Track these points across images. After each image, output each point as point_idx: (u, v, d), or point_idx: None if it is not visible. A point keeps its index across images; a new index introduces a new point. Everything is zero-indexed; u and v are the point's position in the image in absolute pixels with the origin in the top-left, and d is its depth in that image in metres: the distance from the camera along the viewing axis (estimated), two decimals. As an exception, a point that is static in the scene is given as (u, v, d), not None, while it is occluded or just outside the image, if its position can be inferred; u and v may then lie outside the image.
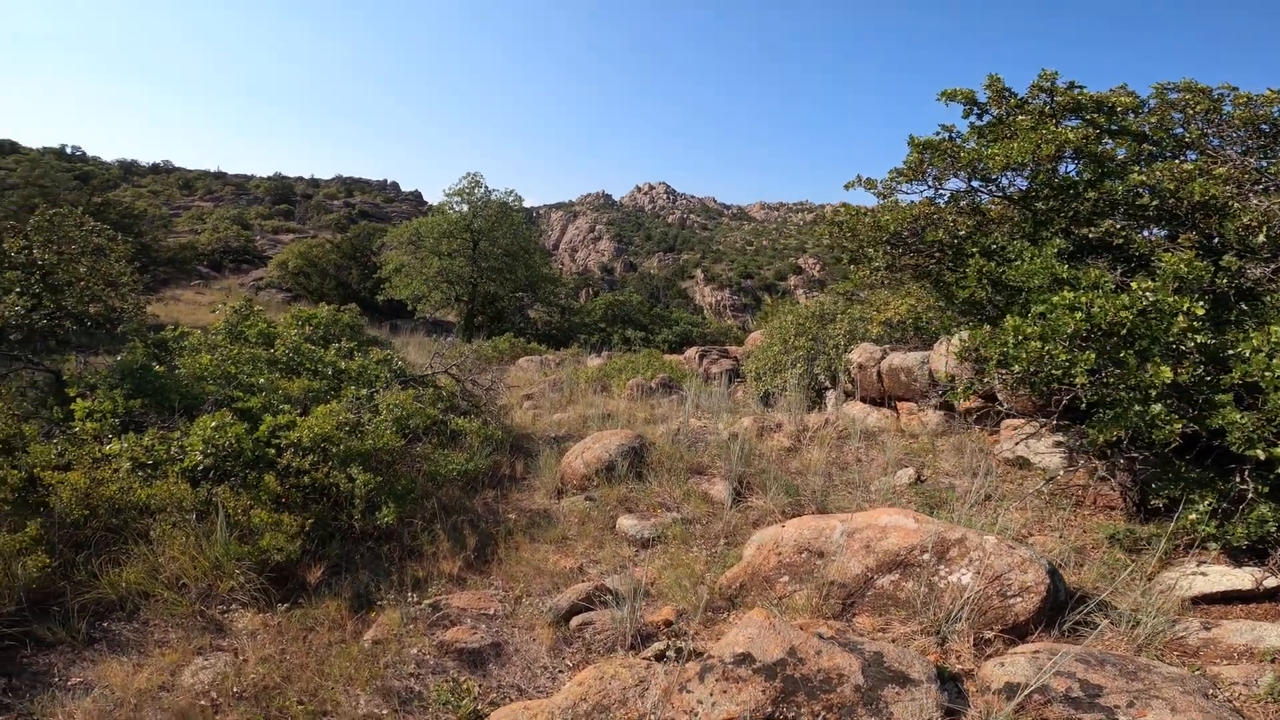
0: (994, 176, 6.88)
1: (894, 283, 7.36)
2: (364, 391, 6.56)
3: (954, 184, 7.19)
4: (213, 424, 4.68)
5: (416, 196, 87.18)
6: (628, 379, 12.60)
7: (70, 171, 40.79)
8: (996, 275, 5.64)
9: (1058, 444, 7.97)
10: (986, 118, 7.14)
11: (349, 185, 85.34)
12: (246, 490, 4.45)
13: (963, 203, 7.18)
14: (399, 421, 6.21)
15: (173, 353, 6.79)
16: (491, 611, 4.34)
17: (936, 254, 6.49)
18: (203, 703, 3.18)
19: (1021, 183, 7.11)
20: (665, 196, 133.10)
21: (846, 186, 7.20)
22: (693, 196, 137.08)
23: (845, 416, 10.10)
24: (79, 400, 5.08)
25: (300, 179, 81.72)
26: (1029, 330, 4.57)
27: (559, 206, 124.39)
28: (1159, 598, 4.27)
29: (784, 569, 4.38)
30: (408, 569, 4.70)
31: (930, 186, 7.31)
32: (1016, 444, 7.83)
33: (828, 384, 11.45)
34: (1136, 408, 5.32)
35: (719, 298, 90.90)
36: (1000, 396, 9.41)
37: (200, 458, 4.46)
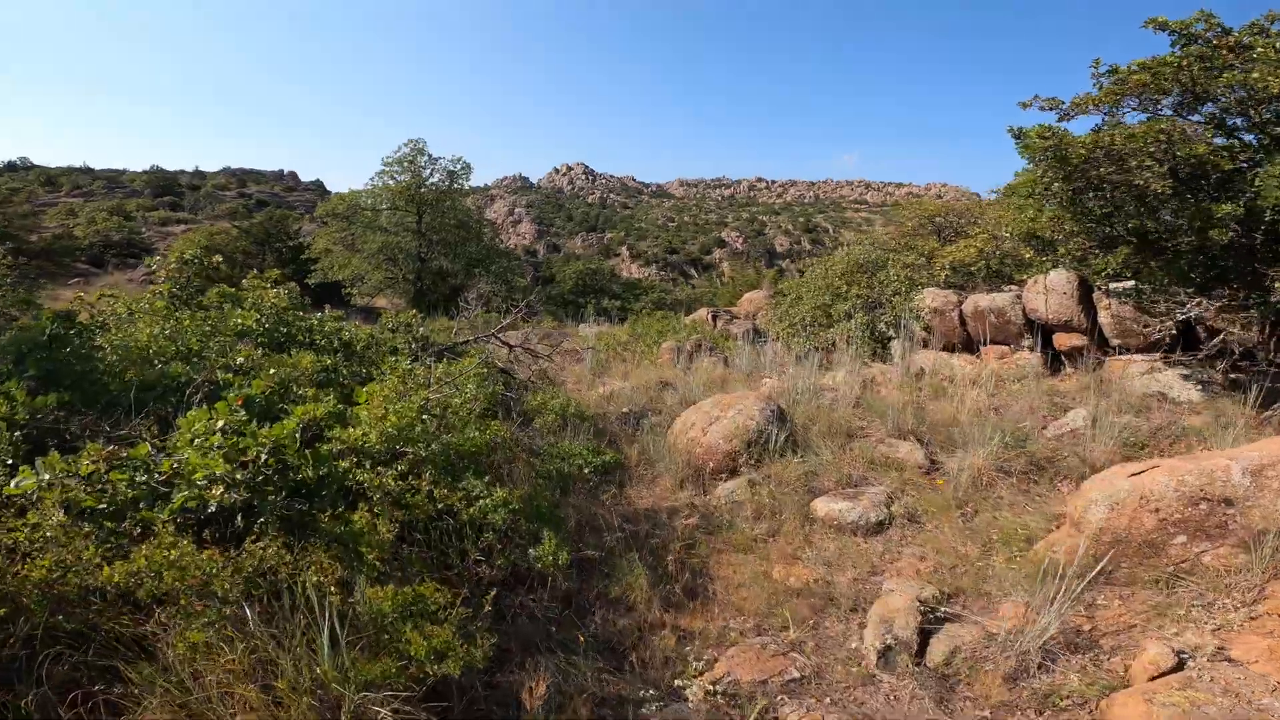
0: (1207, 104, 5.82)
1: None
2: (405, 364, 4.41)
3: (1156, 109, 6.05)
4: (218, 423, 2.50)
5: (319, 186, 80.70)
6: (651, 344, 10.75)
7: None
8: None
9: (1184, 376, 7.09)
10: (1193, 48, 6.05)
11: (241, 176, 77.79)
12: (315, 543, 2.34)
13: (1164, 126, 6.04)
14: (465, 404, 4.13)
15: (85, 331, 4.37)
16: (794, 674, 2.54)
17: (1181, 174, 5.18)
18: None
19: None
20: (584, 177, 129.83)
21: (1023, 105, 6.13)
22: (611, 176, 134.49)
23: (943, 364, 8.69)
24: (-67, 405, 2.74)
25: (183, 171, 73.60)
26: None
27: (475, 191, 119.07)
28: None
29: (1173, 527, 3.48)
30: (626, 633, 2.77)
31: (1106, 113, 6.09)
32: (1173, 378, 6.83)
33: (891, 334, 10.04)
34: None
35: (647, 273, 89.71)
36: (1108, 333, 8.40)
37: (218, 490, 2.28)
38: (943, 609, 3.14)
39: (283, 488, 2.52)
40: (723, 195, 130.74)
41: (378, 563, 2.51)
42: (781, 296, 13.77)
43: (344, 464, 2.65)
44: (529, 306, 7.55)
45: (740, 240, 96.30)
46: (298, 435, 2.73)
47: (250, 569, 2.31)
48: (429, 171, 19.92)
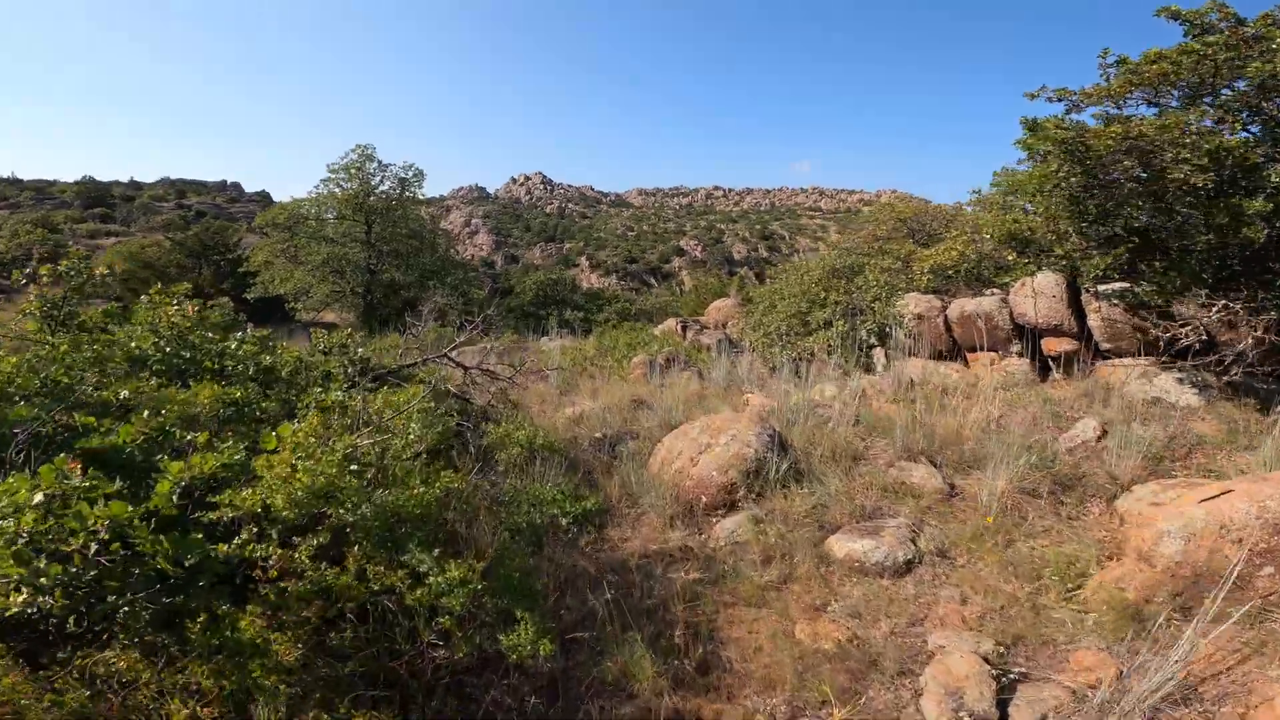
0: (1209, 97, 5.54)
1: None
2: (335, 394, 3.64)
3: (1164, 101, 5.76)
4: (36, 495, 1.73)
5: (265, 197, 77.76)
6: (620, 359, 10.09)
7: None
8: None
9: (1179, 380, 6.80)
10: (1214, 37, 5.81)
11: (179, 187, 74.45)
12: (192, 651, 1.61)
13: (1190, 117, 5.75)
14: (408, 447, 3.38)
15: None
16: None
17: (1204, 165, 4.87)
18: None
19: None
20: (542, 187, 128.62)
21: (1030, 96, 5.82)
22: (570, 186, 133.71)
23: (932, 372, 8.24)
24: None
25: (117, 182, 70.07)
26: None
27: (429, 202, 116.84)
28: None
29: (1259, 558, 3.26)
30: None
31: (1114, 104, 5.79)
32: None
33: (873, 342, 9.57)
34: None
35: (607, 283, 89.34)
36: (1098, 336, 8.10)
37: (20, 596, 1.53)
38: (1016, 669, 2.62)
39: (136, 580, 1.76)
40: (680, 204, 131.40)
41: (282, 685, 1.77)
42: (753, 305, 13.27)
43: (226, 548, 1.91)
44: (486, 320, 6.79)
45: (699, 248, 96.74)
46: (160, 500, 1.98)
47: (75, 704, 1.55)
48: (379, 179, 18.88)
